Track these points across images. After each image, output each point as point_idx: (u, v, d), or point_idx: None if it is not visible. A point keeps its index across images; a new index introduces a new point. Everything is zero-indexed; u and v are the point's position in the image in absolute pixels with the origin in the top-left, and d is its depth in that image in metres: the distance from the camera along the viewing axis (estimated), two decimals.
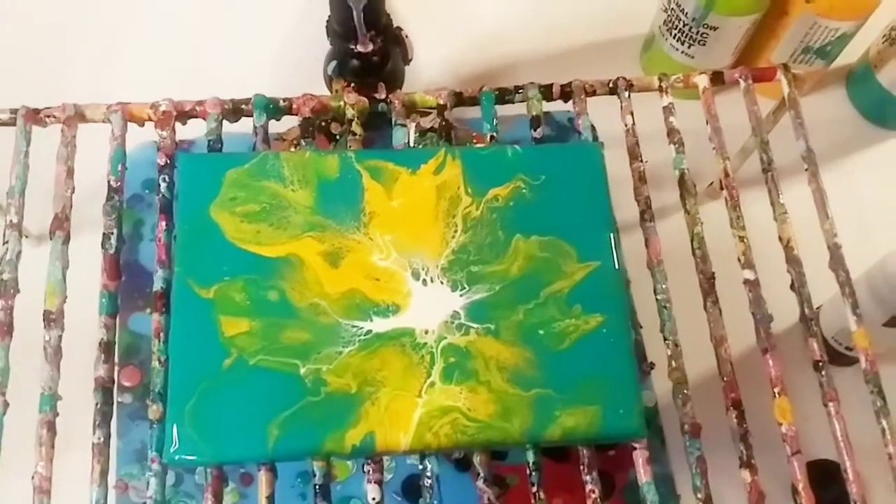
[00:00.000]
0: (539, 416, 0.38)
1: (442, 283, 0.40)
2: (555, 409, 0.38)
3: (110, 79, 0.61)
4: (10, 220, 0.42)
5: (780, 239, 0.44)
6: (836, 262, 0.43)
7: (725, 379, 0.41)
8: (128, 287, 0.56)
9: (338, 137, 0.58)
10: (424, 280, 0.40)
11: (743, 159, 0.56)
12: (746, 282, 0.43)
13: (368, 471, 0.38)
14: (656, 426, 0.55)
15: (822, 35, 0.58)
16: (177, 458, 0.37)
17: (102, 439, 0.38)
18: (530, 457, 0.39)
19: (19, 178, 0.43)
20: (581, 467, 0.39)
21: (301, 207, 0.41)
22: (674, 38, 0.60)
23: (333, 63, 0.54)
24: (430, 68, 0.63)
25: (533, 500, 0.39)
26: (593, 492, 0.39)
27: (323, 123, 0.58)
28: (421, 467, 0.39)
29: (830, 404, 0.40)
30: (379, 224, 0.41)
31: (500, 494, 0.55)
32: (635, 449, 0.40)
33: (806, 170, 0.45)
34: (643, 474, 0.39)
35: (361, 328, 0.39)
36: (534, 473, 0.39)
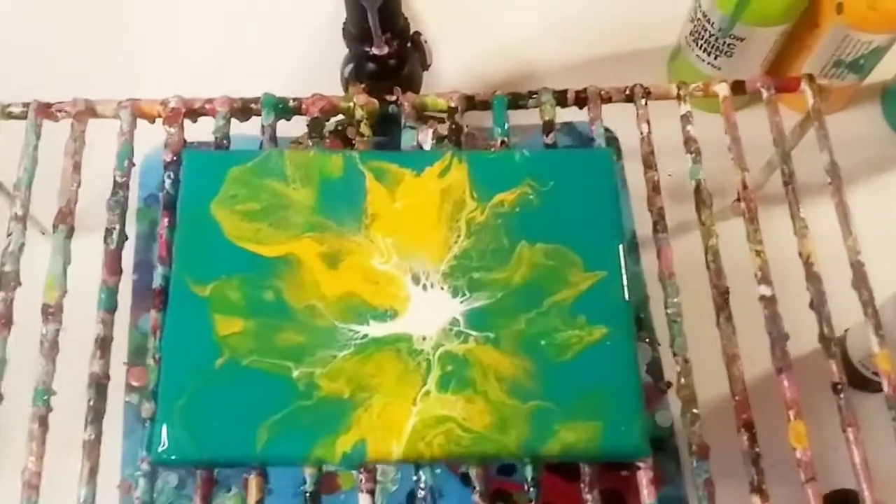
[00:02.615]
0: (537, 429, 0.36)
1: (442, 288, 0.39)
2: (554, 423, 0.36)
3: (127, 77, 0.61)
4: (15, 213, 0.42)
5: (801, 255, 0.42)
6: (859, 280, 0.41)
7: (737, 398, 0.39)
8: (140, 287, 0.56)
9: (353, 142, 0.57)
10: (424, 285, 0.39)
11: (768, 175, 0.54)
12: (762, 298, 0.41)
13: (360, 480, 0.37)
14: (672, 447, 0.53)
15: (854, 48, 0.56)
16: (164, 457, 0.36)
17: (93, 436, 0.38)
18: (528, 472, 0.37)
19: (27, 171, 0.43)
20: (581, 485, 0.38)
21: (302, 207, 0.40)
22: (700, 48, 0.58)
23: (350, 66, 0.53)
24: (449, 75, 0.63)
25: None
26: None
27: (339, 128, 0.58)
28: (415, 478, 0.38)
29: (849, 430, 0.38)
30: (380, 226, 0.40)
31: None
32: (639, 469, 0.38)
33: (829, 183, 0.43)
34: (647, 495, 0.38)
35: (357, 332, 0.38)
36: (531, 490, 0.37)
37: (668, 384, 0.46)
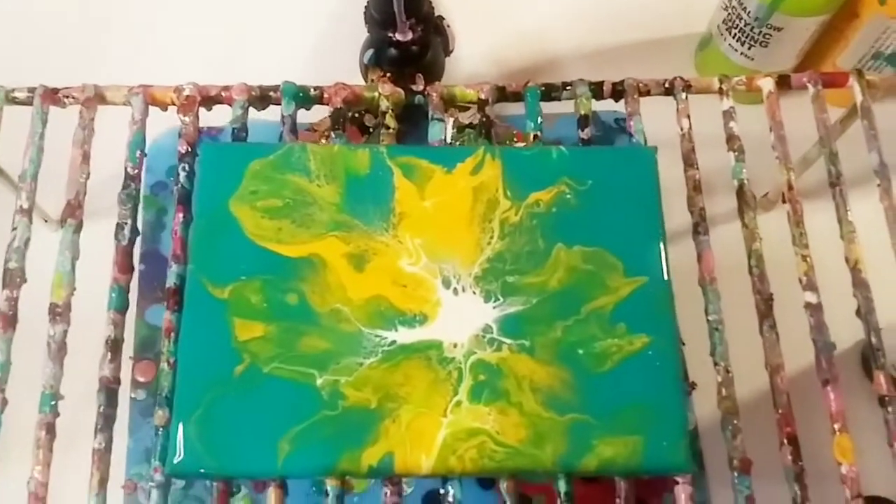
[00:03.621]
0: (574, 443, 0.34)
1: (474, 293, 0.37)
2: (592, 438, 0.35)
3: (135, 62, 0.58)
4: (21, 206, 0.39)
5: (847, 260, 0.40)
6: None
7: (781, 411, 0.37)
8: (147, 277, 0.54)
9: (371, 130, 0.55)
10: (455, 289, 0.37)
11: (803, 170, 0.52)
12: (808, 305, 0.39)
13: (386, 493, 0.35)
14: (696, 451, 0.52)
15: (894, 40, 0.54)
16: (180, 469, 0.34)
17: (104, 445, 0.36)
18: (562, 486, 0.36)
19: (32, 162, 0.40)
20: (617, 500, 0.36)
21: (326, 204, 0.38)
22: (733, 37, 0.56)
23: (370, 52, 0.51)
24: (471, 61, 0.60)
25: None
26: None
27: (356, 115, 0.55)
28: (442, 492, 0.36)
29: None
30: (409, 226, 0.38)
31: None
32: (678, 483, 0.36)
33: (878, 185, 0.41)
34: None
35: (385, 338, 0.36)
36: None
37: (693, 385, 0.44)
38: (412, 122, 0.47)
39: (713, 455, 0.48)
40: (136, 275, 0.53)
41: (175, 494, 0.49)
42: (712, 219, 0.51)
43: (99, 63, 0.55)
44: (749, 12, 0.54)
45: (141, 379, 0.52)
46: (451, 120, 0.56)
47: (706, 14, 0.60)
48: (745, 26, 0.55)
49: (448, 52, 0.54)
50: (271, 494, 0.35)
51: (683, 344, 0.50)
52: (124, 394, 0.48)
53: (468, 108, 0.56)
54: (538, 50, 0.62)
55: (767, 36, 0.54)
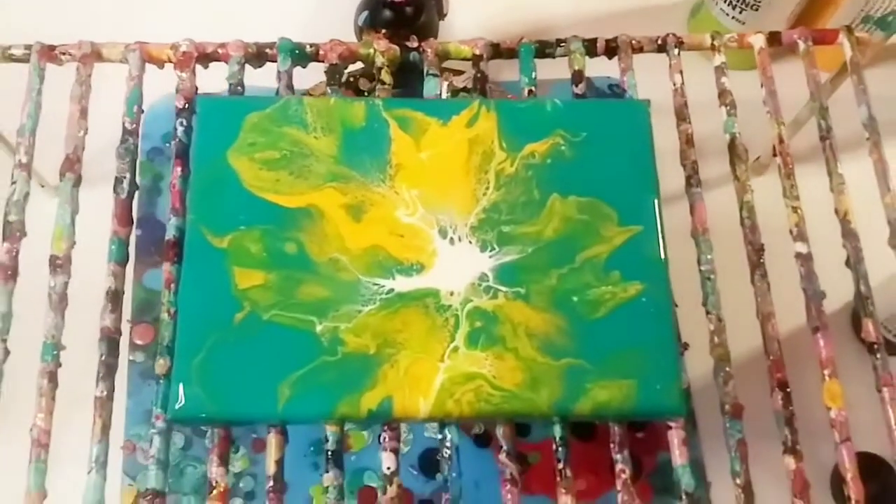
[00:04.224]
0: (569, 387, 0.35)
1: (470, 242, 0.37)
2: (587, 382, 0.35)
3: (131, 20, 0.59)
4: (19, 160, 0.40)
5: (837, 211, 0.41)
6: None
7: (772, 358, 0.38)
8: (144, 242, 0.54)
9: (366, 94, 0.55)
10: (452, 239, 0.37)
11: (794, 132, 0.52)
12: (798, 255, 0.40)
13: (384, 438, 0.36)
14: (689, 410, 0.52)
15: (884, 3, 0.54)
16: (182, 415, 0.34)
17: (105, 393, 0.36)
18: (557, 431, 0.36)
19: (30, 117, 0.41)
20: (612, 445, 0.37)
21: (323, 156, 0.38)
22: (725, 2, 0.57)
23: (365, 13, 0.51)
24: (465, 27, 0.60)
25: (559, 478, 0.36)
26: (623, 472, 0.36)
27: (351, 79, 0.56)
28: (440, 437, 0.36)
29: (885, 389, 0.37)
30: (406, 177, 0.38)
31: (520, 472, 0.53)
32: (671, 428, 0.37)
33: (867, 139, 0.42)
34: (679, 456, 0.37)
35: (383, 286, 0.36)
36: (560, 449, 0.36)
37: (686, 346, 0.45)
38: (408, 85, 0.48)
39: (707, 418, 0.49)
40: (133, 240, 0.54)
41: (174, 454, 0.50)
42: (704, 184, 0.52)
43: (96, 23, 0.55)
44: None
45: (139, 342, 0.52)
46: (446, 84, 0.56)
47: None
48: None
49: (442, 16, 0.54)
50: (272, 440, 0.36)
51: (676, 305, 0.51)
52: (124, 356, 0.49)
53: (462, 72, 0.56)
54: (533, 17, 0.63)
55: None
